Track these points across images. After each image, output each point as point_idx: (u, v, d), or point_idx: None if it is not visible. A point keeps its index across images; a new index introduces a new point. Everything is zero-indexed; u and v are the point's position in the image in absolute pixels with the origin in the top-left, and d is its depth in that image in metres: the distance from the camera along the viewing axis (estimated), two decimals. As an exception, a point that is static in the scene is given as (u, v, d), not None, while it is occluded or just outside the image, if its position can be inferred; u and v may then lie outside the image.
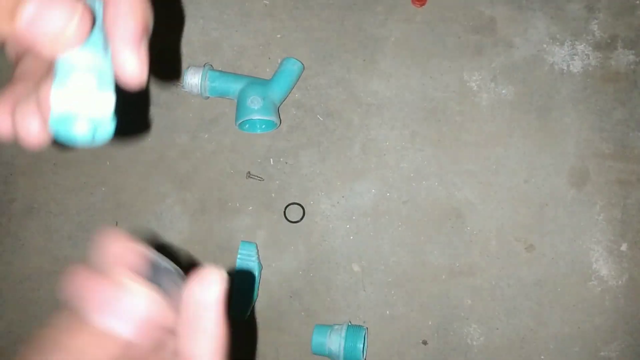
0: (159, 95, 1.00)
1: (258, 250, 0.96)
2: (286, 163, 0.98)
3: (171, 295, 0.22)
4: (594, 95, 0.99)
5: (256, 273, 0.93)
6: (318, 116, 1.00)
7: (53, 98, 0.20)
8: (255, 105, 0.92)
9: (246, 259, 0.93)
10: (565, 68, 1.00)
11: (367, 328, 0.94)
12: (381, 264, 0.96)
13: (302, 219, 0.97)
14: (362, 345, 0.89)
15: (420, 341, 0.95)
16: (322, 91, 1.00)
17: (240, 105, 0.94)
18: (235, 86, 0.95)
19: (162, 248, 0.97)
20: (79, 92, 0.20)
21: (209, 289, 0.21)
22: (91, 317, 0.20)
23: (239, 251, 0.93)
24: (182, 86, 0.96)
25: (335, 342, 0.89)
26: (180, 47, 1.01)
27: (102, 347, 0.20)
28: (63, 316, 0.21)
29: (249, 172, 0.98)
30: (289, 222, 0.97)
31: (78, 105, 0.20)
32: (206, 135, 0.99)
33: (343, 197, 0.98)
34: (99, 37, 0.21)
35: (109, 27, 0.20)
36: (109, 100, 0.21)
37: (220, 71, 0.97)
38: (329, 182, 0.98)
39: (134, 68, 0.21)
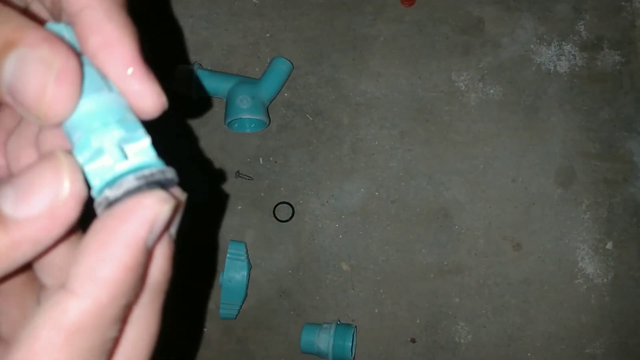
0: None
1: (247, 250, 0.96)
2: (275, 162, 0.99)
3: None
4: (580, 95, 1.00)
5: (245, 272, 0.93)
6: (307, 116, 1.00)
7: (88, 175, 0.16)
8: (244, 104, 0.92)
9: (235, 258, 0.93)
10: (552, 68, 1.01)
11: (356, 326, 0.94)
12: (370, 262, 0.97)
13: (291, 218, 0.97)
14: (351, 344, 0.89)
15: (409, 339, 0.96)
16: (312, 91, 1.00)
17: (229, 105, 0.94)
18: (225, 85, 0.95)
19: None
20: (111, 154, 0.15)
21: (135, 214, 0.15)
22: None
23: (228, 250, 0.94)
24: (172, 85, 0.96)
25: (324, 340, 0.89)
26: (169, 46, 1.01)
27: None
28: None
29: (238, 172, 0.98)
30: (278, 222, 0.97)
31: (117, 167, 0.16)
32: (195, 135, 0.99)
33: (332, 196, 0.98)
34: (92, 74, 0.16)
35: (102, 60, 0.16)
36: (145, 142, 0.16)
37: (210, 70, 0.97)
38: (318, 182, 0.98)
39: (152, 97, 0.16)
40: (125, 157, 0.16)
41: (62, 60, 0.15)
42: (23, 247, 0.14)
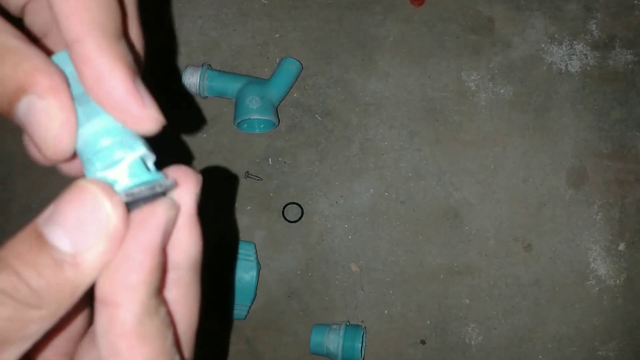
0: (157, 95, 1.00)
1: (256, 250, 0.96)
2: (285, 163, 0.98)
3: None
4: (592, 95, 0.99)
5: (254, 273, 0.93)
6: (316, 116, 1.00)
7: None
8: (253, 105, 0.92)
9: (244, 259, 0.93)
10: (564, 68, 1.00)
11: (365, 328, 0.94)
12: (379, 263, 0.96)
13: (300, 218, 0.97)
14: (360, 345, 0.89)
15: (419, 341, 0.95)
16: (321, 91, 1.00)
17: (238, 105, 0.94)
18: (234, 86, 0.95)
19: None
20: (118, 171, 0.17)
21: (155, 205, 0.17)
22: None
23: (238, 251, 0.93)
24: (181, 86, 0.96)
25: (333, 341, 0.89)
26: (178, 46, 1.01)
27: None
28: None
29: (247, 172, 0.98)
30: (287, 222, 0.97)
31: (129, 181, 0.18)
32: (204, 135, 0.99)
33: (341, 196, 0.98)
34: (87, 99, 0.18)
35: (96, 95, 0.17)
36: (144, 155, 0.18)
37: (219, 71, 0.97)
38: (327, 182, 0.98)
39: (149, 121, 0.18)
40: (148, 169, 0.18)
41: (64, 115, 0.16)
42: (94, 273, 0.16)
